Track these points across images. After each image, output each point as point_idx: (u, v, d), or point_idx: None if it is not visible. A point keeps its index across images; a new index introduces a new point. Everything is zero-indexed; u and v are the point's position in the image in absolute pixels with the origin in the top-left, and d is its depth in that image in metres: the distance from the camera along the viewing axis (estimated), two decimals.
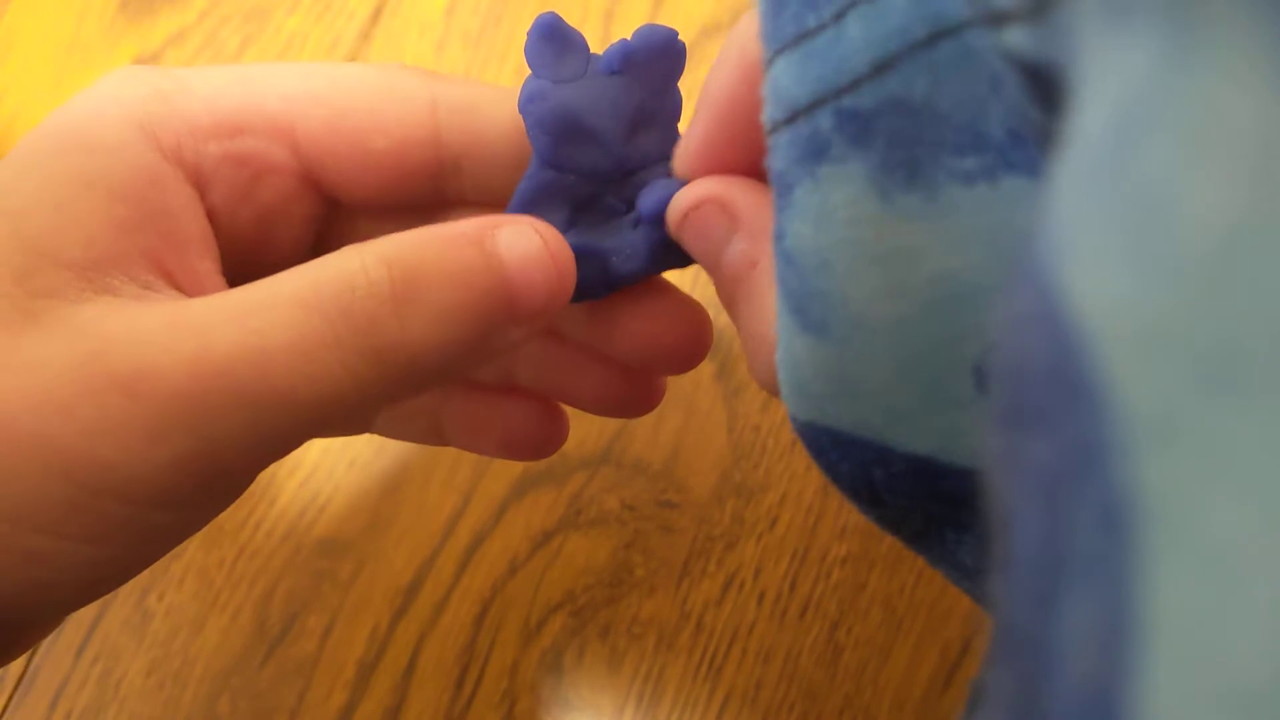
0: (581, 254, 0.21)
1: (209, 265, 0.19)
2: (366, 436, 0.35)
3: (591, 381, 0.24)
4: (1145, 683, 0.09)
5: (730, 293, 0.20)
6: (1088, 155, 0.10)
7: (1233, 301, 0.09)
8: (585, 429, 0.35)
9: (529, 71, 0.21)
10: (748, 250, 0.19)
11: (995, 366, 0.12)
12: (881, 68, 0.15)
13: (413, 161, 0.21)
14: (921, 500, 0.18)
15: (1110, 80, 0.10)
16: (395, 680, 0.33)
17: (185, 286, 0.18)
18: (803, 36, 0.16)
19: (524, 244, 0.19)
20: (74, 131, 0.18)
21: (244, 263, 0.21)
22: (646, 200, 0.21)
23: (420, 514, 0.35)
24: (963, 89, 0.15)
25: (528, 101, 0.21)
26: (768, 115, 0.17)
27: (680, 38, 0.22)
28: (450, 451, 0.36)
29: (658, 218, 0.21)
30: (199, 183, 0.19)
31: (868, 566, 0.33)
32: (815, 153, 0.16)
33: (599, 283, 0.22)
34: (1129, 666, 0.09)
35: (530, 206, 0.21)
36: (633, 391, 0.25)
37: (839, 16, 0.15)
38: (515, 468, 0.35)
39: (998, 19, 0.13)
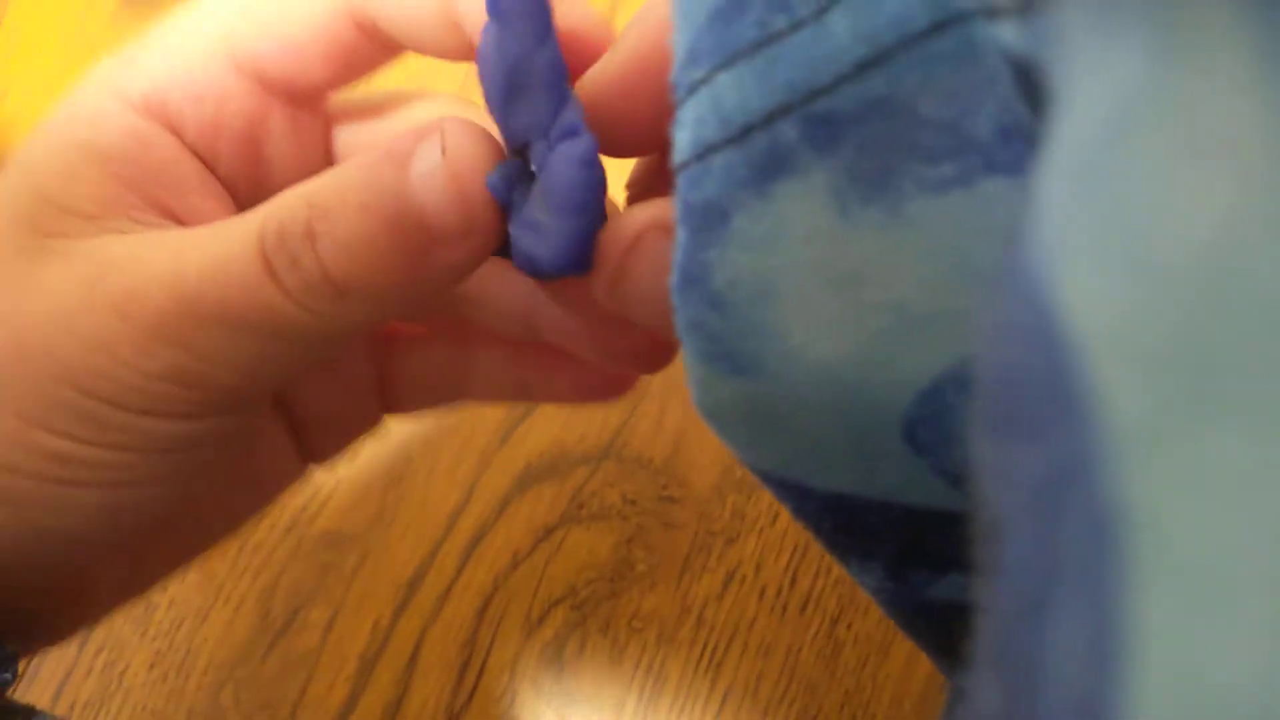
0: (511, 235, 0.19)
1: (213, 203, 0.21)
2: None
3: (562, 379, 0.24)
4: (1133, 697, 0.09)
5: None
6: (1076, 159, 0.10)
7: (1221, 311, 0.09)
8: (587, 424, 0.36)
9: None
10: None
11: (981, 374, 0.12)
12: (867, 65, 0.14)
13: (336, 37, 0.21)
14: (832, 533, 0.18)
15: (1098, 85, 0.10)
16: (397, 673, 0.33)
17: (192, 224, 0.20)
18: (765, 42, 0.15)
19: (427, 162, 0.18)
20: (69, 111, 0.20)
21: (259, 194, 0.22)
22: (554, 188, 0.18)
23: (423, 508, 0.35)
24: (956, 84, 0.14)
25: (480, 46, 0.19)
26: (691, 140, 0.15)
27: None
28: (453, 445, 0.36)
29: (571, 205, 0.18)
30: (176, 129, 0.21)
31: None
32: (771, 168, 0.15)
33: (526, 266, 0.19)
34: (1117, 680, 0.09)
35: (502, 103, 0.19)
36: (602, 383, 0.24)
37: (823, 11, 0.14)
38: (517, 462, 0.35)
39: (992, 12, 0.13)
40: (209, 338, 0.18)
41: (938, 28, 0.14)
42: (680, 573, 0.34)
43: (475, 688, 0.33)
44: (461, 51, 0.21)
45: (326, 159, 0.24)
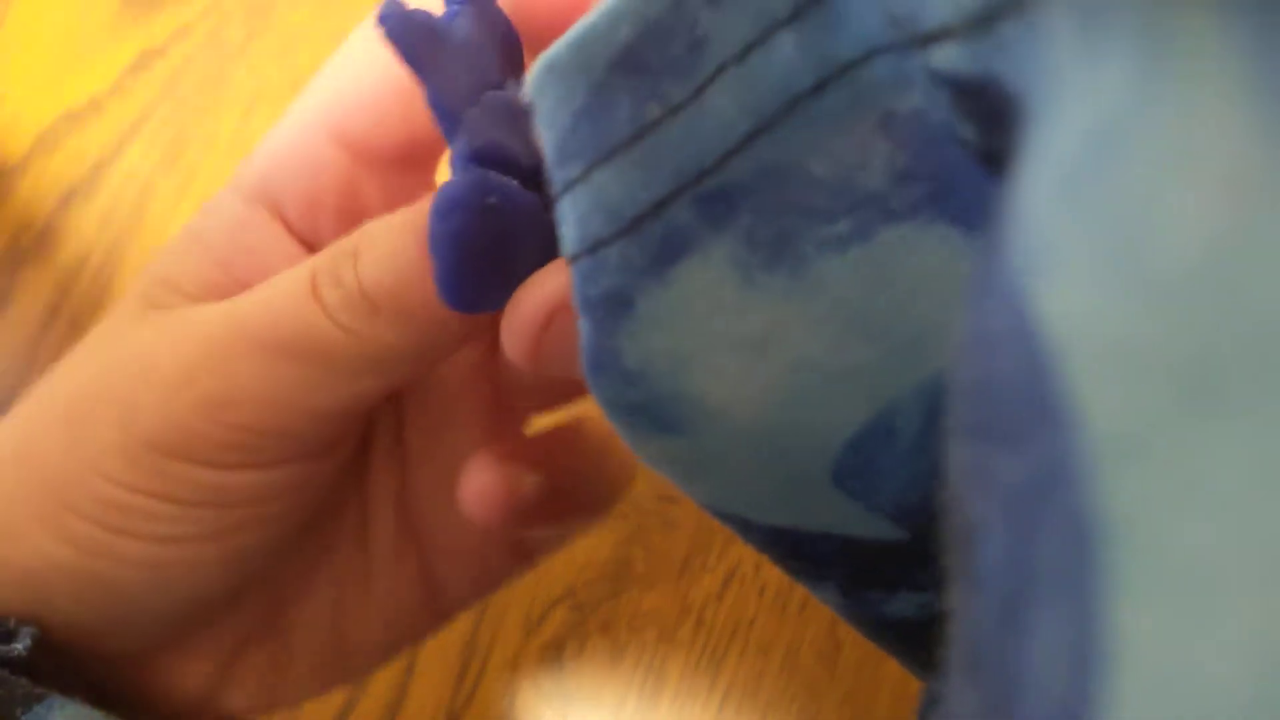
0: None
1: None
2: None
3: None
4: (1113, 705, 0.09)
5: None
6: (1059, 171, 0.10)
7: (1206, 319, 0.09)
8: None
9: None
10: None
11: (958, 381, 0.12)
12: (755, 135, 0.14)
13: (406, 91, 0.21)
14: (782, 559, 0.18)
15: (1083, 96, 0.10)
16: (397, 674, 0.33)
17: None
18: (641, 133, 0.15)
19: None
20: (203, 207, 0.22)
21: None
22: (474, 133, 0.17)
23: None
24: (843, 139, 0.14)
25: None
26: (578, 236, 0.15)
27: None
28: None
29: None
30: (279, 210, 0.22)
31: None
32: (669, 253, 0.15)
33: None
34: (1097, 689, 0.09)
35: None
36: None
37: (699, 92, 0.14)
38: None
39: (925, 40, 0.13)
40: (249, 364, 0.18)
41: (821, 85, 0.14)
42: (680, 572, 0.34)
43: (475, 688, 0.33)
44: None
45: None
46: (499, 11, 0.18)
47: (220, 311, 0.19)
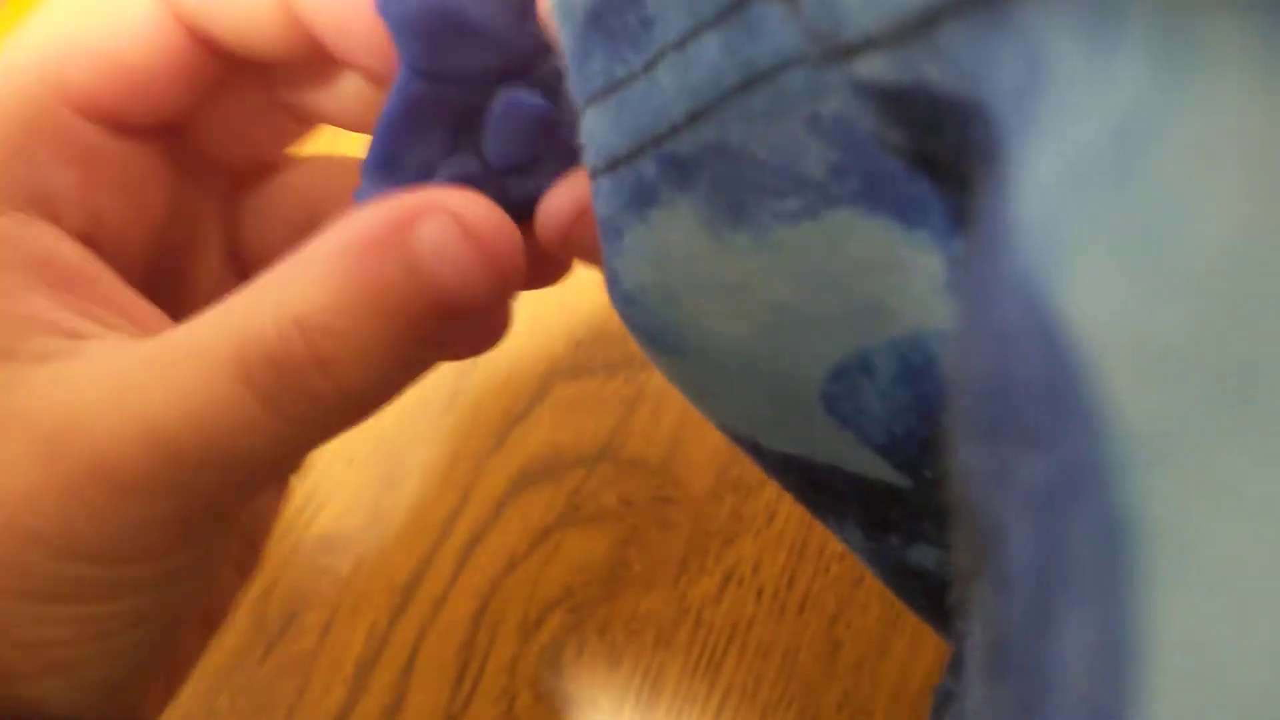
0: (473, 184, 0.18)
1: (107, 285, 0.19)
2: (364, 432, 0.35)
3: None
4: (1145, 706, 0.09)
5: None
6: (1075, 165, 0.10)
7: (1237, 318, 0.09)
8: (582, 425, 0.35)
9: None
10: None
11: (968, 381, 0.12)
12: (696, 116, 0.15)
13: (175, 57, 0.19)
14: (800, 490, 0.19)
15: (1096, 90, 0.10)
16: (394, 677, 0.33)
17: (99, 314, 0.19)
18: (613, 87, 0.15)
19: (445, 243, 0.17)
20: None
21: (153, 249, 0.21)
22: (499, 137, 0.18)
23: (419, 511, 0.35)
24: (777, 133, 0.14)
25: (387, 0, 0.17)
26: (588, 161, 0.16)
27: None
28: (449, 449, 0.36)
29: (516, 149, 0.18)
30: (52, 211, 0.19)
31: None
32: (643, 198, 0.16)
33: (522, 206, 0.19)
34: (1129, 689, 0.09)
35: (401, 133, 0.18)
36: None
37: (650, 66, 0.15)
38: (514, 465, 0.35)
39: (846, 51, 0.13)
40: (186, 481, 0.17)
41: (747, 84, 0.14)
42: (677, 574, 0.34)
43: (473, 691, 0.33)
44: (300, 52, 0.19)
45: (226, 201, 0.22)
46: None
47: (135, 438, 0.17)
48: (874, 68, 0.13)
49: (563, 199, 0.18)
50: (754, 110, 0.14)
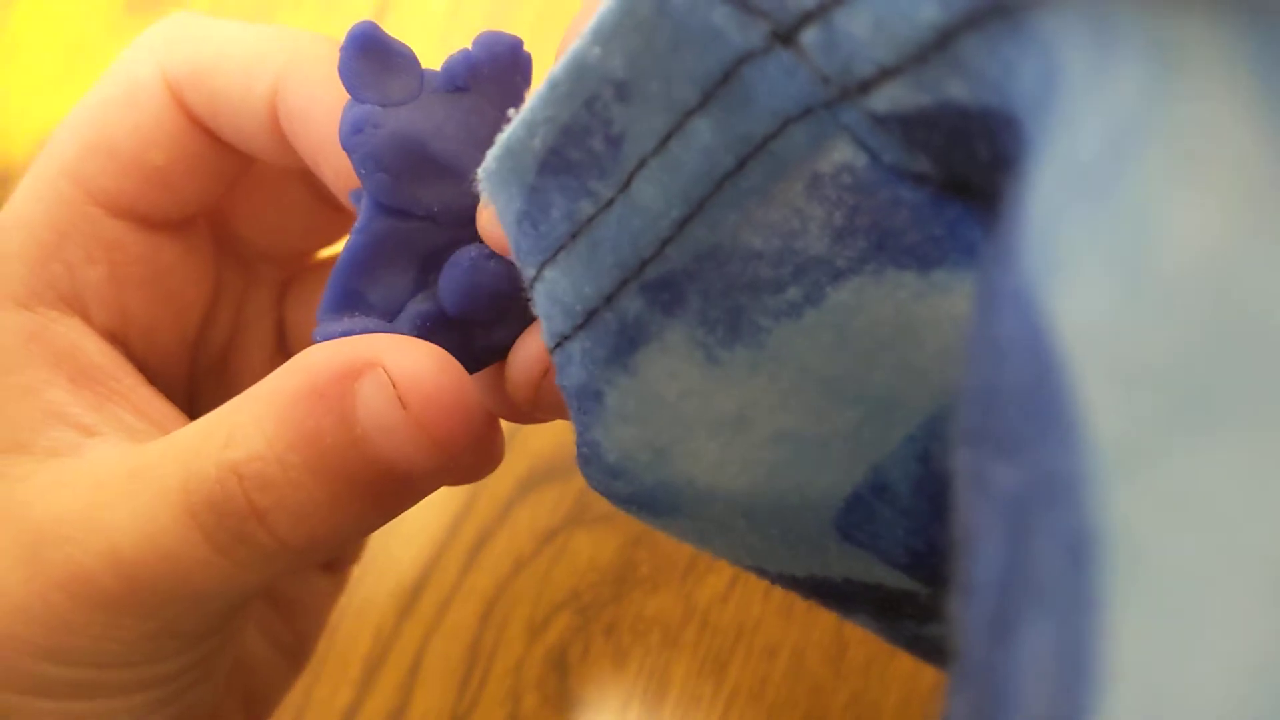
0: (437, 327, 0.18)
1: (123, 377, 0.20)
2: None
3: None
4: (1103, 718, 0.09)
5: None
6: (1070, 177, 0.10)
7: (1213, 331, 0.09)
8: None
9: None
10: None
11: (965, 386, 0.12)
12: (687, 219, 0.14)
13: (188, 152, 0.20)
14: (807, 595, 0.18)
15: (1095, 104, 0.10)
16: (401, 678, 0.33)
17: (117, 411, 0.19)
18: (579, 230, 0.15)
19: (381, 412, 0.16)
20: None
21: (183, 342, 0.22)
22: (449, 289, 0.17)
23: (425, 512, 0.35)
24: (774, 211, 0.14)
25: (353, 132, 0.17)
26: (549, 332, 0.15)
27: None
28: None
29: (461, 305, 0.17)
30: (77, 302, 0.20)
31: None
32: (628, 343, 0.15)
33: (464, 357, 0.18)
34: (1086, 704, 0.09)
35: (366, 269, 0.17)
36: None
37: (624, 186, 0.14)
38: (520, 466, 0.35)
39: (862, 87, 0.13)
40: (150, 604, 0.17)
41: (743, 163, 0.14)
42: (684, 575, 0.34)
43: (480, 692, 0.33)
44: (289, 158, 0.20)
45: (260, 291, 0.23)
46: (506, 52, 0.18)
47: (102, 559, 0.17)
48: (894, 96, 0.13)
49: (532, 349, 0.17)
50: (750, 191, 0.14)
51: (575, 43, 0.14)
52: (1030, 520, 0.10)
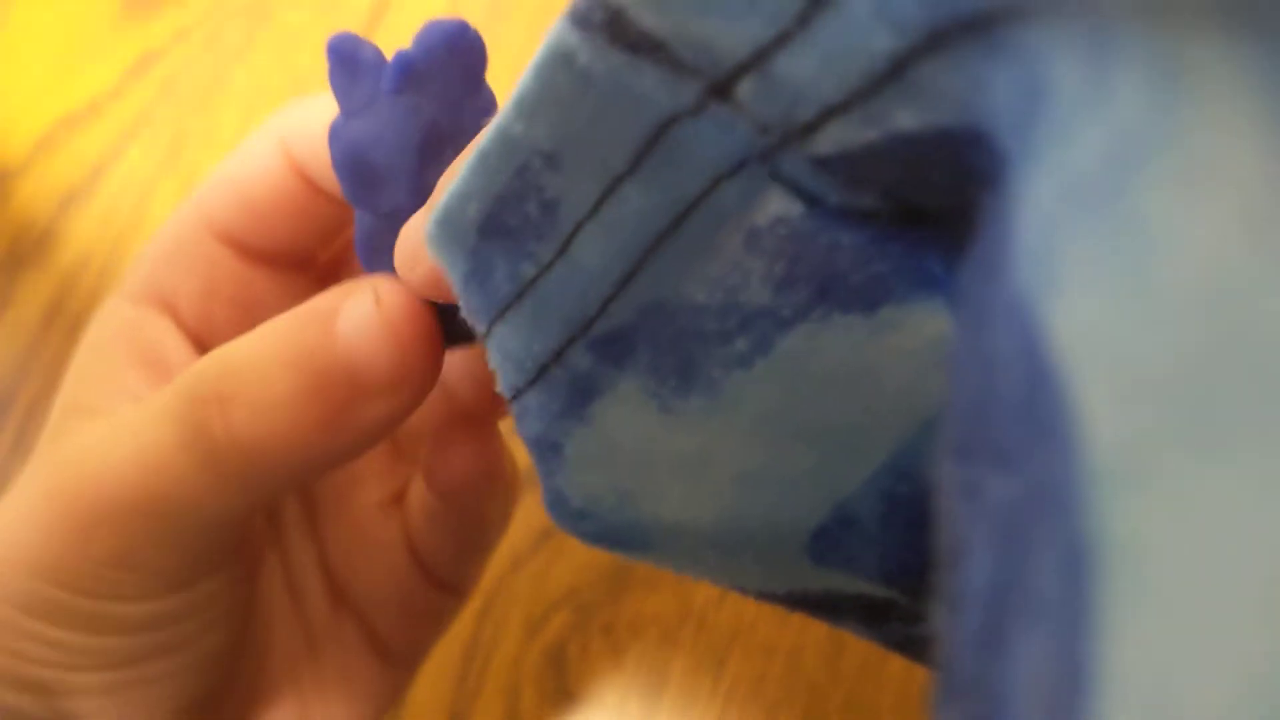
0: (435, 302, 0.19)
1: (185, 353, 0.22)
2: None
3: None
4: None
5: None
6: (1071, 189, 0.10)
7: (1208, 342, 0.09)
8: None
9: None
10: None
11: (952, 401, 0.12)
12: (628, 278, 0.14)
13: (293, 197, 0.22)
14: (792, 607, 0.19)
15: (1094, 117, 0.10)
16: None
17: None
18: (523, 290, 0.15)
19: (359, 313, 0.18)
20: (96, 320, 0.22)
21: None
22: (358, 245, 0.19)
23: None
24: (715, 266, 0.14)
25: (329, 142, 0.19)
26: (505, 385, 0.16)
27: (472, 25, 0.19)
28: None
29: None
30: (172, 308, 0.22)
31: None
32: (580, 396, 0.15)
33: (464, 329, 0.19)
34: (1084, 713, 0.09)
35: (371, 253, 0.19)
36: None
37: (563, 249, 0.14)
38: (520, 463, 0.35)
39: (805, 130, 0.13)
40: (135, 524, 0.18)
41: (677, 222, 0.14)
42: (681, 575, 0.34)
43: (478, 689, 0.33)
44: None
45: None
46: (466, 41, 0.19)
47: (96, 478, 0.19)
48: (838, 135, 0.13)
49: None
50: (687, 248, 0.14)
51: (499, 116, 0.14)
52: (1024, 530, 0.10)
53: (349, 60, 0.18)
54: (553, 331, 0.15)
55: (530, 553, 0.34)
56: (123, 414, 0.19)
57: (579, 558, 0.34)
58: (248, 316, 0.23)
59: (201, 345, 0.22)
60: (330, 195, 0.22)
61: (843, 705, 0.32)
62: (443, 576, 0.25)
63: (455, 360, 0.23)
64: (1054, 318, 0.10)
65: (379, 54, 0.18)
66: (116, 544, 0.19)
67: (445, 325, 0.19)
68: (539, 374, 0.15)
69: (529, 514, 0.35)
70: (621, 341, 0.15)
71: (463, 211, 0.15)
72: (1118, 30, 0.10)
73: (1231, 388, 0.09)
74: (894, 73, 0.12)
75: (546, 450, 0.16)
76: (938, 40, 0.11)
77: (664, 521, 0.16)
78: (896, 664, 0.32)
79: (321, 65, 0.39)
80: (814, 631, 0.33)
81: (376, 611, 0.24)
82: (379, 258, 0.19)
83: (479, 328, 0.16)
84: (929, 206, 0.13)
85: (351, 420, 0.18)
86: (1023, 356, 0.10)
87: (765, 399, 0.15)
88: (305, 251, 0.23)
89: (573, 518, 0.16)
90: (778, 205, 0.13)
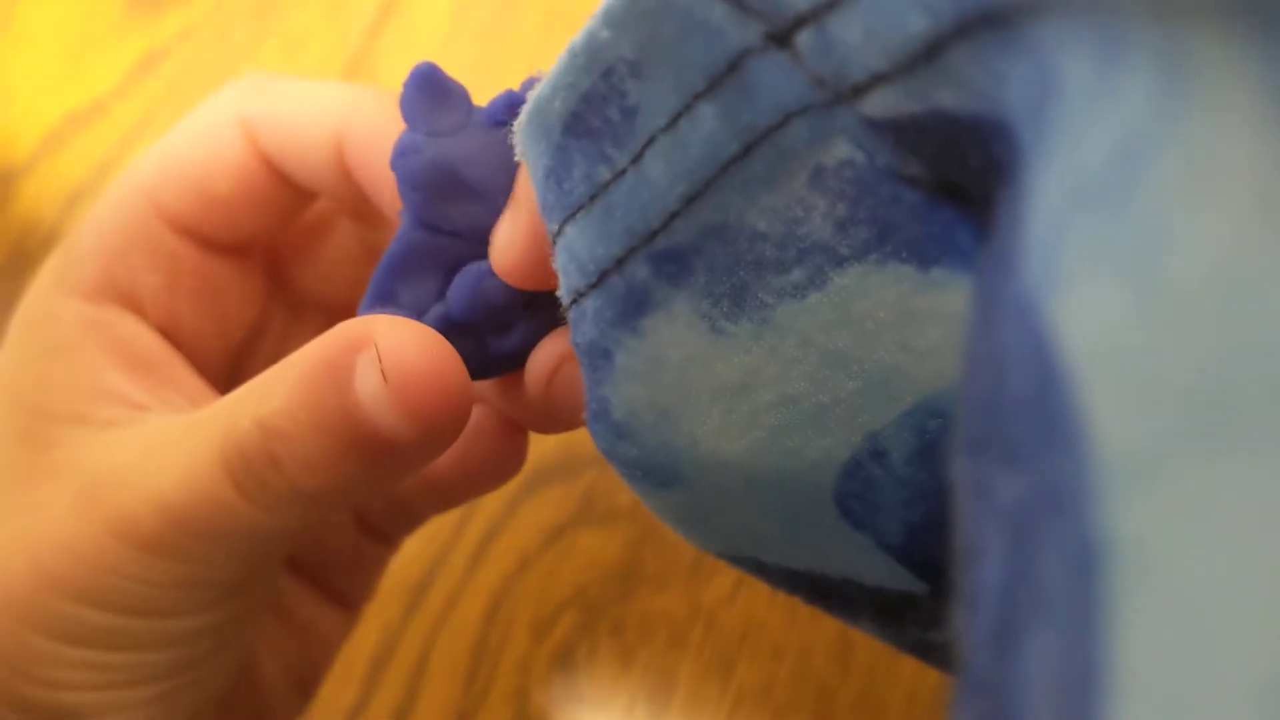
0: (453, 331, 0.20)
1: (176, 369, 0.22)
2: None
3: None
4: None
5: None
6: (1077, 187, 0.10)
7: (1221, 342, 0.09)
8: None
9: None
10: None
11: (965, 395, 0.12)
12: (692, 199, 0.15)
13: (255, 187, 0.22)
14: (810, 599, 0.19)
15: (1103, 115, 0.10)
16: (406, 676, 0.33)
17: (164, 394, 0.21)
18: (597, 193, 0.15)
19: (370, 387, 0.18)
20: (22, 318, 0.22)
21: (221, 350, 0.24)
22: (455, 295, 0.20)
23: None
24: (779, 198, 0.14)
25: (398, 156, 0.19)
26: (566, 288, 0.16)
27: None
28: None
29: (463, 311, 0.20)
30: (133, 302, 0.22)
31: None
32: (635, 307, 0.16)
33: (475, 362, 0.20)
34: (1094, 714, 0.09)
35: (399, 272, 0.20)
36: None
37: (637, 158, 0.15)
38: (528, 463, 0.35)
39: (854, 92, 0.13)
40: (199, 548, 0.19)
41: (747, 150, 0.14)
42: (690, 574, 0.34)
43: (486, 690, 0.33)
44: (353, 197, 0.22)
45: (290, 308, 0.25)
46: None
47: (148, 502, 0.19)
48: (885, 102, 0.13)
49: (548, 348, 0.19)
50: (754, 177, 0.14)
51: (589, 21, 0.15)
52: (1034, 530, 0.10)
53: (439, 87, 0.19)
54: (616, 239, 0.15)
55: (538, 553, 0.34)
56: (156, 436, 0.19)
57: (587, 558, 0.34)
58: (213, 307, 0.23)
59: (170, 339, 0.22)
60: (294, 183, 0.22)
61: (852, 706, 0.32)
62: (385, 532, 0.26)
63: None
64: (1062, 316, 0.10)
65: (465, 90, 0.20)
66: (177, 566, 0.19)
67: (475, 357, 0.20)
68: (600, 279, 0.16)
69: (537, 514, 0.35)
70: (680, 260, 0.15)
71: (550, 104, 0.15)
72: (1127, 28, 0.10)
73: (1242, 388, 0.09)
74: (930, 54, 0.12)
75: (598, 357, 0.16)
76: (964, 29, 0.11)
77: (699, 448, 0.16)
78: (906, 665, 0.32)
79: (327, 64, 0.39)
80: (823, 633, 0.33)
81: (326, 569, 0.25)
82: (408, 280, 0.20)
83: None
84: (966, 185, 0.13)
85: (391, 468, 0.19)
86: (1032, 354, 0.10)
87: (813, 329, 0.15)
88: (266, 238, 0.23)
89: (613, 432, 0.17)
90: (844, 149, 0.14)
